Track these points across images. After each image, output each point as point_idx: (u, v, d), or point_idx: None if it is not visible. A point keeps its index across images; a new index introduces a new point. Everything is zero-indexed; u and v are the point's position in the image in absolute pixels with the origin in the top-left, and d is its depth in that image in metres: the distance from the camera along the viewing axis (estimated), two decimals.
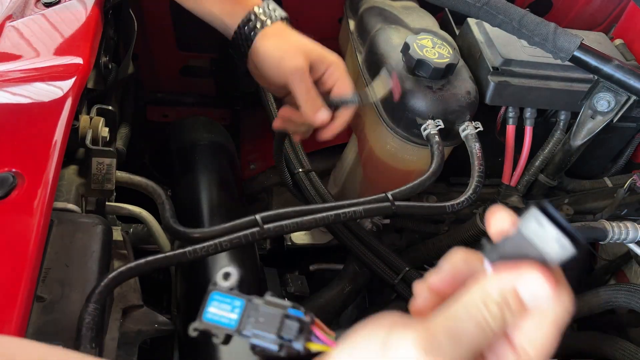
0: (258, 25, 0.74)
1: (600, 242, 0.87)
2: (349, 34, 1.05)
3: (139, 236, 0.90)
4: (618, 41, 1.03)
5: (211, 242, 0.69)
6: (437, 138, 0.81)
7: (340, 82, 0.76)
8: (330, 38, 0.97)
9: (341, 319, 1.08)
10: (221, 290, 0.40)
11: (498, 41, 0.91)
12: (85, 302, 0.54)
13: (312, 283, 0.84)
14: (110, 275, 0.57)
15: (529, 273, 0.33)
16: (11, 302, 0.46)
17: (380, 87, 0.76)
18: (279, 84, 0.76)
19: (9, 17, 0.73)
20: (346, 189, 1.08)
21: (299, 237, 1.12)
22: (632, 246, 0.85)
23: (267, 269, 0.80)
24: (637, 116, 0.93)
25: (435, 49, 0.83)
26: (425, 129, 0.83)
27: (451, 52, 0.84)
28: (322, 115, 0.73)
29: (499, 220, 0.36)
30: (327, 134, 0.77)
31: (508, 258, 0.34)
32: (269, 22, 0.75)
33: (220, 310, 0.39)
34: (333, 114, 0.75)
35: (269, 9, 0.76)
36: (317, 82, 0.76)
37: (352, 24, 1.07)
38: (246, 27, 0.75)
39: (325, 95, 0.76)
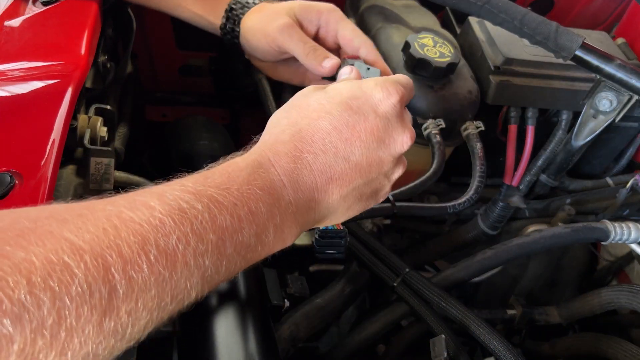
0: (240, 12, 0.73)
1: (602, 243, 0.87)
2: None
3: None
4: (620, 40, 1.02)
5: None
6: (438, 138, 0.81)
7: (342, 27, 0.69)
8: None
9: (341, 320, 1.08)
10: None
11: (499, 40, 0.90)
12: None
13: (312, 284, 0.83)
14: None
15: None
16: None
17: None
18: (277, 55, 0.72)
19: (7, 16, 0.72)
20: None
21: (299, 238, 1.11)
22: (634, 246, 0.84)
23: (267, 269, 0.79)
24: (639, 116, 0.93)
25: (436, 48, 0.83)
26: (426, 129, 0.82)
27: (452, 51, 0.83)
28: (329, 62, 0.66)
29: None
30: None
31: None
32: (249, 3, 0.74)
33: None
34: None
35: None
36: (318, 39, 0.71)
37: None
38: (230, 18, 0.74)
39: (336, 51, 0.70)
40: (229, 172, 0.43)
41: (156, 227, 0.35)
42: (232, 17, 0.74)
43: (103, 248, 0.32)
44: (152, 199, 0.37)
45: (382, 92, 0.51)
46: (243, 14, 0.74)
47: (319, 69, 0.67)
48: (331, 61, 0.66)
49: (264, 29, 0.71)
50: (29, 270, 0.29)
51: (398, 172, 0.55)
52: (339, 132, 0.48)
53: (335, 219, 0.53)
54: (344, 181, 0.49)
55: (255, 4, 0.74)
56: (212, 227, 0.38)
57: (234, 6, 0.74)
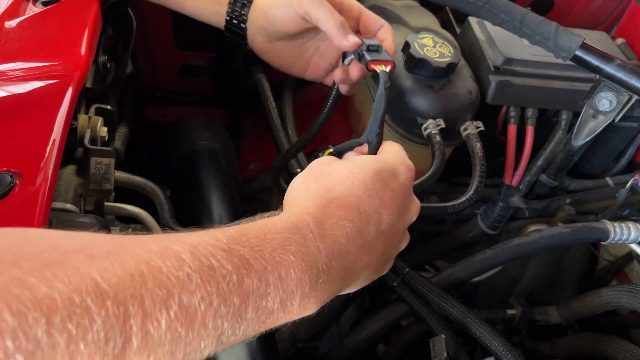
0: None
1: (602, 243, 0.87)
2: None
3: None
4: (620, 40, 1.02)
5: None
6: (438, 138, 0.81)
7: (365, 9, 0.72)
8: None
9: (341, 320, 1.08)
10: None
11: (499, 40, 0.90)
12: None
13: None
14: None
15: None
16: None
17: None
18: (293, 26, 0.70)
19: (7, 16, 0.72)
20: None
21: None
22: (634, 246, 0.84)
23: None
24: (639, 116, 0.93)
25: (436, 48, 0.83)
26: (426, 129, 0.82)
27: (452, 51, 0.83)
28: (352, 38, 0.66)
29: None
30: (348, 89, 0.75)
31: None
32: None
33: None
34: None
35: None
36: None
37: None
38: None
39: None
40: (265, 232, 0.42)
41: (183, 282, 0.34)
42: None
43: (127, 296, 0.31)
44: (184, 250, 0.36)
45: (403, 165, 0.53)
46: None
47: (343, 42, 0.67)
48: (354, 38, 0.67)
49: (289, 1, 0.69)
50: (50, 308, 0.28)
51: (404, 244, 0.55)
52: (371, 201, 0.48)
53: (353, 289, 0.52)
54: (370, 249, 0.49)
55: None
56: (238, 290, 0.37)
57: None
